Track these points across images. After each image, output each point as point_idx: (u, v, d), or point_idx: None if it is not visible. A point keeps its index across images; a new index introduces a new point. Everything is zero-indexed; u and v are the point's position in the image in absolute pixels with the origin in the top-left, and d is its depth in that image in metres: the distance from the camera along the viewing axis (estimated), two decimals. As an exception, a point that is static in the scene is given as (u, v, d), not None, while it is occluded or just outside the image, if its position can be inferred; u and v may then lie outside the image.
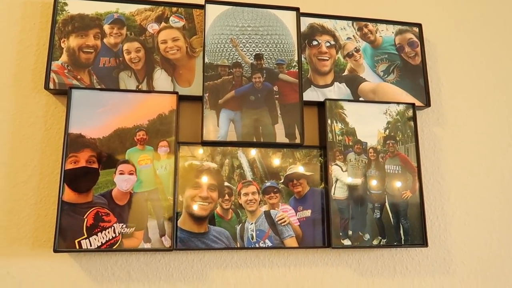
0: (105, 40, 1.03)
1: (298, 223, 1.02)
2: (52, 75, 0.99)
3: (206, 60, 1.04)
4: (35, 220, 0.95)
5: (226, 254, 1.01)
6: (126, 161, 0.96)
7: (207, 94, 1.02)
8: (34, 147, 0.98)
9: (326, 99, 1.08)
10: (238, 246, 0.98)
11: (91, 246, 0.90)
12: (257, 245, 0.99)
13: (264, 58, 1.07)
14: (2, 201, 0.95)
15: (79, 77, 1.00)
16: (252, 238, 0.99)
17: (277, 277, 1.02)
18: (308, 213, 1.03)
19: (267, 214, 1.01)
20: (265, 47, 1.08)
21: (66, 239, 0.90)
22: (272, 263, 1.03)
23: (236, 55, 1.06)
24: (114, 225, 0.92)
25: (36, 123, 1.00)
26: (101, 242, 0.91)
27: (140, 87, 1.02)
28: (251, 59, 1.07)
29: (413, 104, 1.12)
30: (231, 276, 1.00)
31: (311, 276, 1.03)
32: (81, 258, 0.95)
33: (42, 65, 1.03)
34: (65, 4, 1.03)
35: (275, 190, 1.02)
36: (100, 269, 0.95)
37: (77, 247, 0.90)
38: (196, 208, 0.98)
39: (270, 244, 0.99)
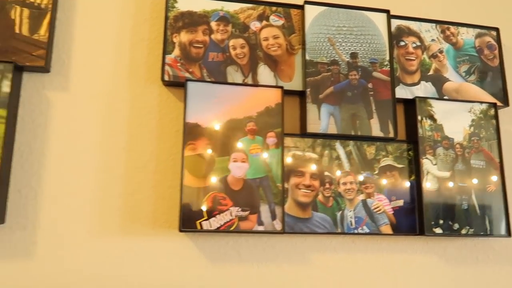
0: (212, 36, 1.10)
1: (392, 212, 1.09)
2: (167, 68, 1.06)
3: (307, 57, 1.11)
4: (153, 202, 1.02)
5: (325, 239, 1.08)
6: (239, 150, 1.03)
7: (309, 89, 1.10)
8: (150, 135, 1.05)
9: (416, 97, 1.15)
10: (339, 231, 1.05)
11: (211, 227, 0.98)
12: (356, 231, 1.06)
13: (359, 56, 1.14)
14: (123, 185, 1.02)
15: (190, 70, 1.07)
16: (351, 224, 1.06)
17: (371, 261, 1.09)
18: (400, 202, 1.10)
19: (364, 203, 1.08)
20: (359, 46, 1.15)
21: (188, 220, 0.97)
22: (367, 248, 1.10)
23: (333, 53, 1.13)
24: (231, 208, 1.00)
25: (150, 112, 1.07)
26: (220, 223, 0.98)
27: (245, 81, 1.09)
28: (347, 58, 1.14)
29: (495, 104, 1.19)
30: (330, 259, 1.07)
31: (401, 262, 1.10)
32: (196, 238, 1.02)
33: (154, 58, 1.10)
34: (175, 1, 1.10)
35: (370, 180, 1.10)
36: (213, 249, 1.03)
37: (199, 227, 0.97)
38: (300, 195, 1.05)
39: (367, 231, 1.06)
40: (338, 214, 1.06)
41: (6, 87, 0.95)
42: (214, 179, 1.00)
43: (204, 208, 0.98)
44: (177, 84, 1.07)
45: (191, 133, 1.01)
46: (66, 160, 1.00)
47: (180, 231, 0.96)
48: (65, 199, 0.99)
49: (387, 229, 1.08)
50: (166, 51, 1.07)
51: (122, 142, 1.04)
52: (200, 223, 0.97)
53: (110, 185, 1.01)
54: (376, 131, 1.11)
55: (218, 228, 0.98)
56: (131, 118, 1.05)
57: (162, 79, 1.05)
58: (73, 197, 0.99)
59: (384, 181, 1.10)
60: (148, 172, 1.03)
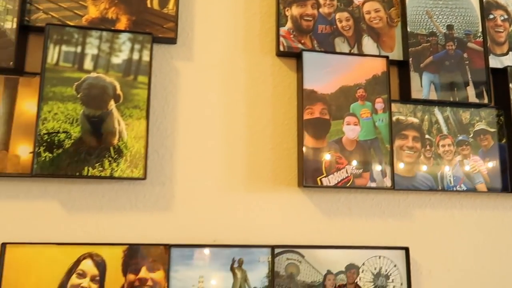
0: (320, 10, 1.19)
1: (486, 172, 1.18)
2: (281, 39, 1.15)
3: (408, 29, 1.19)
4: (273, 162, 1.12)
5: (425, 196, 1.18)
6: (351, 114, 1.12)
7: (411, 59, 1.18)
8: (266, 101, 1.15)
9: (507, 66, 1.23)
10: (440, 189, 1.15)
11: (330, 183, 1.08)
12: (454, 189, 1.16)
13: (454, 28, 1.22)
14: (245, 146, 1.12)
15: (302, 41, 1.16)
16: (450, 182, 1.16)
17: (465, 217, 1.19)
18: (493, 163, 1.19)
19: (461, 163, 1.17)
20: (454, 19, 1.23)
21: (309, 177, 1.07)
22: (462, 205, 1.20)
23: (431, 26, 1.21)
24: (346, 166, 1.10)
25: (265, 81, 1.16)
26: (337, 180, 1.09)
27: (352, 51, 1.18)
28: (444, 29, 1.22)
29: None
30: (429, 215, 1.18)
31: (494, 218, 1.20)
32: (312, 195, 1.13)
33: (266, 31, 1.19)
34: (284, -23, 1.18)
35: (466, 143, 1.19)
36: (327, 204, 1.13)
37: (319, 184, 1.08)
38: (404, 156, 1.15)
39: (464, 188, 1.16)
40: (438, 173, 1.16)
41: (146, 56, 1.05)
42: (330, 140, 1.10)
43: (322, 166, 1.08)
44: (289, 55, 1.17)
45: (308, 98, 1.11)
46: (195, 123, 1.11)
47: (304, 186, 1.06)
48: (196, 159, 1.09)
49: (482, 187, 1.17)
50: (279, 23, 1.15)
51: (241, 107, 1.14)
52: (320, 179, 1.08)
53: (233, 146, 1.11)
54: (472, 98, 1.19)
55: (336, 184, 1.09)
56: (248, 86, 1.15)
57: (277, 50, 1.14)
58: (202, 157, 1.10)
59: (478, 144, 1.19)
60: (266, 136, 1.13)
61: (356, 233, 1.13)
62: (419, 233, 1.16)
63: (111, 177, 1.00)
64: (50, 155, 0.98)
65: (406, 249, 1.11)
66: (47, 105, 0.99)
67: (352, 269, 1.08)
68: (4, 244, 0.94)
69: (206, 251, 1.01)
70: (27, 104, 1.00)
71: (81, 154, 0.99)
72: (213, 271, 1.00)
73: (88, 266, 0.97)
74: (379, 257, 1.10)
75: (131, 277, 0.98)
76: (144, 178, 1.01)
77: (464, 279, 1.17)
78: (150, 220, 1.05)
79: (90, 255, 0.98)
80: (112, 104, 1.02)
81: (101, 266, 0.98)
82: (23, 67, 1.04)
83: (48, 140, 0.98)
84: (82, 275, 0.97)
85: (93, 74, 1.02)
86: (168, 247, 1.00)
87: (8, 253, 0.94)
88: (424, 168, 1.15)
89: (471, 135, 1.20)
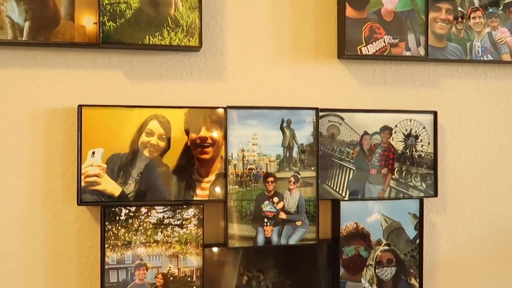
0: None
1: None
2: None
3: None
4: (315, 35, 1.20)
5: (454, 67, 1.28)
6: (390, -14, 1.18)
7: None
8: (307, -24, 1.20)
9: None
10: (468, 59, 1.24)
11: (368, 52, 1.17)
12: (481, 59, 1.25)
13: None
14: (290, 19, 1.19)
15: None
16: (478, 53, 1.25)
17: (490, 86, 1.30)
18: (520, 35, 1.27)
19: (489, 34, 1.25)
20: None
21: (349, 46, 1.16)
22: (487, 75, 1.30)
23: None
24: (384, 36, 1.18)
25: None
26: (375, 49, 1.18)
27: None
28: None
29: None
30: (456, 84, 1.28)
31: (515, 86, 1.31)
32: (350, 66, 1.22)
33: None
34: None
35: (495, 15, 1.26)
36: (363, 75, 1.23)
37: (359, 52, 1.16)
38: (437, 27, 1.22)
39: (491, 58, 1.25)
40: (468, 44, 1.24)
41: None
42: (370, 11, 1.17)
43: (362, 36, 1.16)
44: None
45: (349, -29, 1.16)
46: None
47: (345, 55, 1.15)
48: (245, 31, 1.17)
49: (507, 57, 1.26)
50: None
51: (284, -18, 1.19)
52: (359, 48, 1.17)
53: (279, 19, 1.18)
54: (505, -30, 1.24)
55: (374, 53, 1.17)
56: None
57: None
58: (250, 29, 1.17)
59: (507, 16, 1.26)
60: (309, 9, 1.20)
61: (390, 100, 1.25)
62: (447, 100, 1.28)
63: (170, 46, 1.09)
64: (114, 24, 1.06)
65: (435, 113, 1.23)
66: (107, -24, 1.04)
67: (386, 130, 1.21)
68: (80, 106, 1.05)
69: (259, 112, 1.13)
70: (87, -24, 1.06)
71: (141, 24, 1.07)
72: (265, 129, 1.13)
73: (154, 126, 1.09)
74: (410, 120, 1.22)
75: (192, 135, 1.11)
76: (200, 47, 1.10)
77: (483, 141, 1.30)
78: (206, 88, 1.15)
79: (156, 117, 1.10)
80: (166, -25, 1.07)
81: (166, 126, 1.10)
82: None
83: (111, 10, 1.05)
84: (150, 133, 1.09)
85: None
86: (225, 109, 1.11)
87: (84, 115, 1.06)
88: (454, 39, 1.23)
89: (501, 8, 1.26)
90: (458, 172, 1.29)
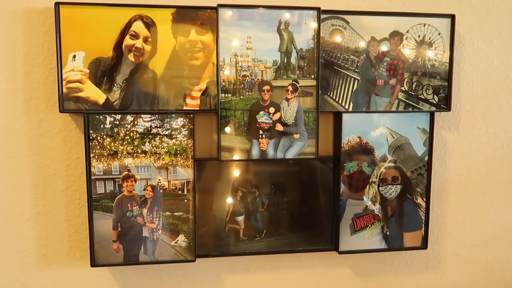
0: None
1: None
2: None
3: None
4: None
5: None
6: None
7: None
8: None
9: None
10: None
11: None
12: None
13: None
14: None
15: None
16: None
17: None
18: None
19: None
20: None
21: None
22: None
23: None
24: None
25: None
26: None
27: None
28: None
29: None
30: None
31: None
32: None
33: None
34: None
35: None
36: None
37: None
38: None
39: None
40: None
41: None
42: None
43: None
44: None
45: None
46: None
47: None
48: None
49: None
50: None
51: None
52: None
53: None
54: None
55: None
56: None
57: None
58: None
59: None
60: None
61: (401, 1, 1.11)
62: (467, 2, 1.14)
63: None
64: None
65: (452, 17, 1.10)
66: None
67: (396, 36, 1.09)
68: (57, 4, 0.96)
69: (254, 12, 1.02)
70: None
71: None
72: (260, 32, 1.02)
73: (139, 27, 1.00)
74: (424, 25, 1.10)
75: (181, 39, 1.02)
76: None
77: (505, 52, 1.17)
78: None
79: (141, 17, 1.00)
80: None
81: (151, 28, 1.01)
82: None
83: None
84: (135, 36, 1.00)
85: None
86: (216, 8, 1.00)
87: (62, 14, 0.97)
88: None
89: None
90: (475, 85, 1.18)
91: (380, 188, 1.12)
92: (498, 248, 1.26)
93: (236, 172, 1.08)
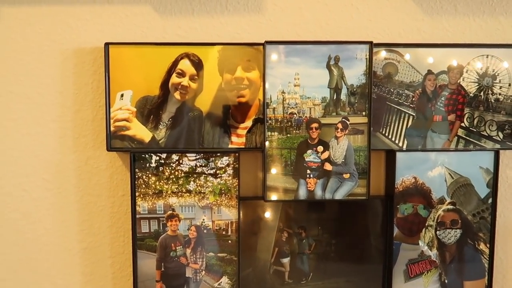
0: None
1: None
2: None
3: None
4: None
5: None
6: None
7: None
8: None
9: None
10: None
11: (437, -29, 0.96)
12: None
13: None
14: None
15: None
16: None
17: None
18: None
19: None
20: None
21: (413, -35, 0.96)
22: None
23: None
24: (457, -49, 0.96)
25: None
26: (445, -32, 0.96)
27: None
28: None
29: None
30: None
31: None
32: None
33: None
34: None
35: None
36: (428, 1, 1.03)
37: (425, -28, 0.96)
38: None
39: None
40: None
41: None
42: None
43: (429, -48, 0.96)
44: None
45: None
46: None
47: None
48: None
49: None
50: None
51: None
52: (426, -32, 0.96)
53: None
54: None
55: (444, -28, 0.96)
56: None
57: None
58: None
59: None
60: None
61: (461, 32, 1.04)
62: (536, 31, 1.05)
63: (201, -27, 0.96)
64: (138, -50, 0.95)
65: (519, 47, 1.01)
66: None
67: (455, 69, 1.01)
68: (107, 44, 0.97)
69: (302, 48, 0.98)
70: None
71: None
72: (309, 68, 0.98)
73: (186, 65, 0.99)
74: (487, 56, 1.01)
75: (227, 76, 1.00)
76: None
77: None
78: (242, 21, 1.02)
79: (187, 55, 0.99)
80: None
81: (198, 65, 0.99)
82: None
83: None
84: (181, 74, 0.99)
85: None
86: (263, 44, 0.97)
87: (111, 53, 0.98)
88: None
89: None
90: (545, 121, 1.07)
91: (437, 232, 1.04)
92: None
93: (282, 212, 1.04)
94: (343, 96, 0.99)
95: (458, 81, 1.02)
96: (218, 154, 1.00)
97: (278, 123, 1.00)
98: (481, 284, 1.05)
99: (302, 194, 1.00)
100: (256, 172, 1.05)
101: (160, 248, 1.00)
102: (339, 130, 1.00)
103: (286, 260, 1.05)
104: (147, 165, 0.99)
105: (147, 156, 0.99)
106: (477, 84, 1.02)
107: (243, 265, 1.03)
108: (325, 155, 1.00)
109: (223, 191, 1.01)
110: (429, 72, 1.01)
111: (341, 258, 1.05)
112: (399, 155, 1.01)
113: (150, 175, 1.00)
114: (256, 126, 1.01)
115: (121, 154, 1.03)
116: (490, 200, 1.04)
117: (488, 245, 1.05)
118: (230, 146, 1.00)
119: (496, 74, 1.02)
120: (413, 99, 1.02)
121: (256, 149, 1.01)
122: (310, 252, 1.05)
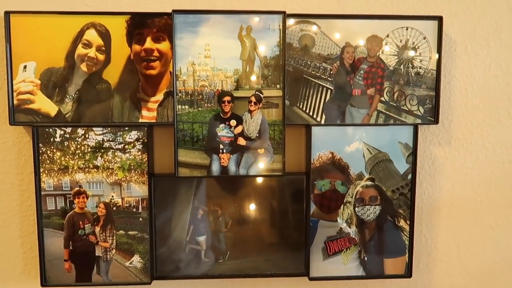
0: None
1: None
2: None
3: None
4: None
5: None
6: None
7: None
8: None
9: None
10: None
11: None
12: None
13: None
14: None
15: None
16: None
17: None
18: None
19: None
20: None
21: None
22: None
23: None
24: None
25: None
26: None
27: None
28: None
29: None
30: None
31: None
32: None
33: None
34: None
35: None
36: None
37: None
38: None
39: None
40: None
41: None
42: None
43: None
44: None
45: None
46: None
47: None
48: None
49: None
50: None
51: None
52: None
53: None
54: None
55: None
56: None
57: None
58: None
59: None
60: None
61: (382, 3, 1.00)
62: (458, 3, 1.01)
63: None
64: None
65: (439, 19, 0.98)
66: None
67: (374, 40, 0.98)
68: (7, 13, 0.93)
69: (212, 17, 0.94)
70: None
71: None
72: (220, 39, 0.95)
73: (92, 36, 0.95)
74: (407, 28, 0.98)
75: (136, 47, 0.95)
76: None
77: (505, 57, 1.04)
78: None
79: (93, 25, 0.95)
80: None
81: (105, 36, 0.95)
82: None
83: None
84: (88, 44, 0.95)
85: None
86: (171, 14, 0.93)
87: (13, 23, 0.93)
88: None
89: None
90: (469, 95, 1.05)
91: (356, 208, 1.01)
92: (499, 279, 1.11)
93: (196, 190, 1.00)
94: (256, 69, 0.96)
95: (377, 54, 0.99)
96: (126, 128, 0.96)
97: (189, 96, 0.96)
98: (402, 261, 1.03)
99: (215, 170, 0.97)
100: (171, 148, 1.01)
101: (68, 226, 0.97)
102: (252, 103, 0.96)
103: (202, 239, 1.02)
104: (51, 139, 0.95)
105: (51, 130, 0.95)
106: (396, 57, 0.99)
107: (157, 244, 1.00)
108: (238, 129, 0.97)
109: (132, 167, 0.97)
110: (347, 44, 0.98)
111: (259, 237, 1.03)
112: (315, 129, 0.98)
113: (55, 150, 0.96)
114: (167, 100, 0.97)
115: (28, 129, 0.99)
116: (409, 176, 1.01)
117: (408, 222, 1.02)
118: (140, 120, 0.97)
119: (417, 47, 0.99)
120: (331, 72, 0.98)
121: (167, 124, 0.97)
122: (226, 230, 1.02)
